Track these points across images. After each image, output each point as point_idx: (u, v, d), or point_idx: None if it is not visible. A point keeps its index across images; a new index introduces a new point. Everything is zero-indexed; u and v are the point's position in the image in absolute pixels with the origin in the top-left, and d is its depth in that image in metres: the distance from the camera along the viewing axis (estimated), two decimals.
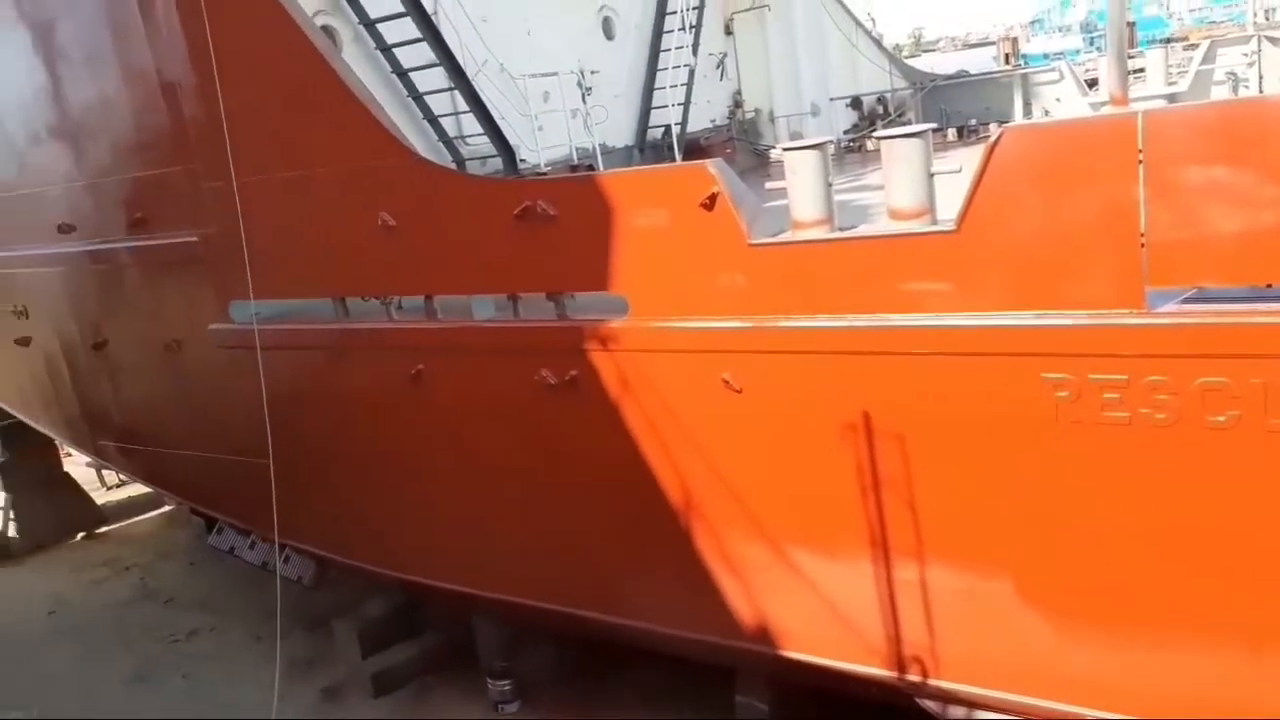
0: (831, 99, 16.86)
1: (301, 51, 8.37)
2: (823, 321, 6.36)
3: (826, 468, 6.68)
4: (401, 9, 10.17)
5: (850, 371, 6.35)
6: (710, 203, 6.61)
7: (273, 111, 8.73)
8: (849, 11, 17.17)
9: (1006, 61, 26.29)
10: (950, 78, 17.67)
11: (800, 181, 6.43)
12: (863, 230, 6.46)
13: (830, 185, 6.45)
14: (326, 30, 10.06)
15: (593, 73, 13.63)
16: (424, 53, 10.48)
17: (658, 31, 14.87)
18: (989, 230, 5.76)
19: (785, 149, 6.55)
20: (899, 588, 6.85)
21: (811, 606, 7.27)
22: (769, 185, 6.79)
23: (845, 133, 16.65)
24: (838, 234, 6.42)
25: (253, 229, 8.86)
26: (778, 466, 6.95)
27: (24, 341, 12.90)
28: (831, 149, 6.66)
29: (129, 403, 12.26)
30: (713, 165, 6.62)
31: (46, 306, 12.37)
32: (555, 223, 7.38)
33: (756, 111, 17.22)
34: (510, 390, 8.06)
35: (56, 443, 16.46)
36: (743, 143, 16.28)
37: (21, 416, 15.46)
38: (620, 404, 7.46)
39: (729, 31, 16.96)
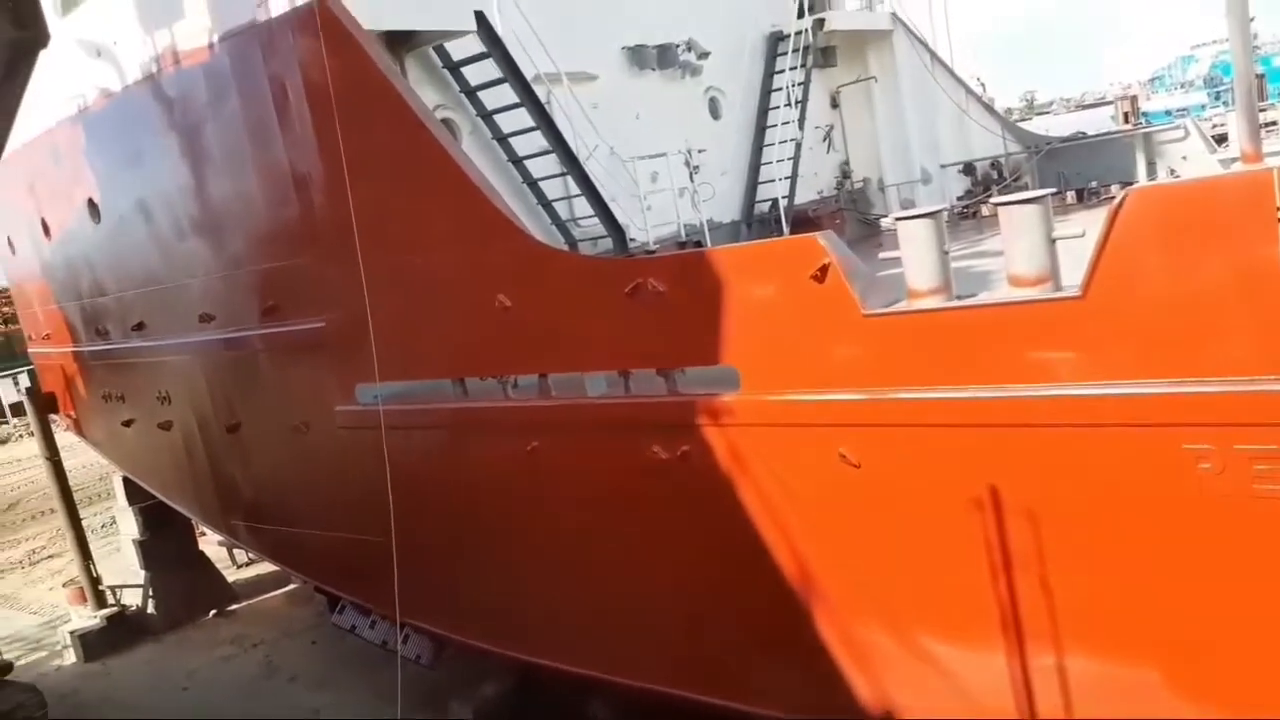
0: (943, 166, 16.67)
1: (424, 144, 8.78)
2: (943, 393, 6.17)
3: (953, 546, 6.40)
4: (517, 100, 10.58)
5: (975, 445, 6.11)
6: (821, 274, 6.55)
7: (397, 201, 9.14)
8: (958, 78, 17.05)
9: (1126, 120, 25.57)
10: (1067, 140, 17.26)
11: (915, 250, 6.33)
12: (983, 298, 6.28)
13: (946, 253, 6.32)
14: (447, 123, 10.53)
15: (700, 151, 13.83)
16: (538, 141, 10.86)
17: (763, 109, 15.05)
18: (1117, 295, 5.52)
19: (898, 218, 6.47)
20: (1033, 674, 6.45)
21: (939, 692, 6.90)
22: (882, 254, 6.70)
23: (959, 199, 16.39)
24: (956, 302, 6.26)
25: (377, 314, 9.21)
26: (901, 544, 6.70)
27: (166, 425, 13.65)
28: (945, 216, 6.55)
29: (259, 483, 12.78)
30: (822, 237, 6.58)
31: (187, 392, 13.09)
32: (665, 299, 7.44)
33: (865, 181, 17.16)
34: (623, 467, 8.06)
35: (193, 522, 17.22)
36: (852, 212, 16.21)
37: (161, 497, 16.29)
38: (734, 479, 7.36)
39: (835, 104, 17.05)
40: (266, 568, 18.19)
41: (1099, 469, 5.74)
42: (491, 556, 9.79)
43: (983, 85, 18.77)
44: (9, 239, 17.03)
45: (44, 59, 10.32)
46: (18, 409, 40.33)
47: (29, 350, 20.35)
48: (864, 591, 7.07)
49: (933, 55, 16.49)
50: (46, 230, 14.99)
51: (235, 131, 10.45)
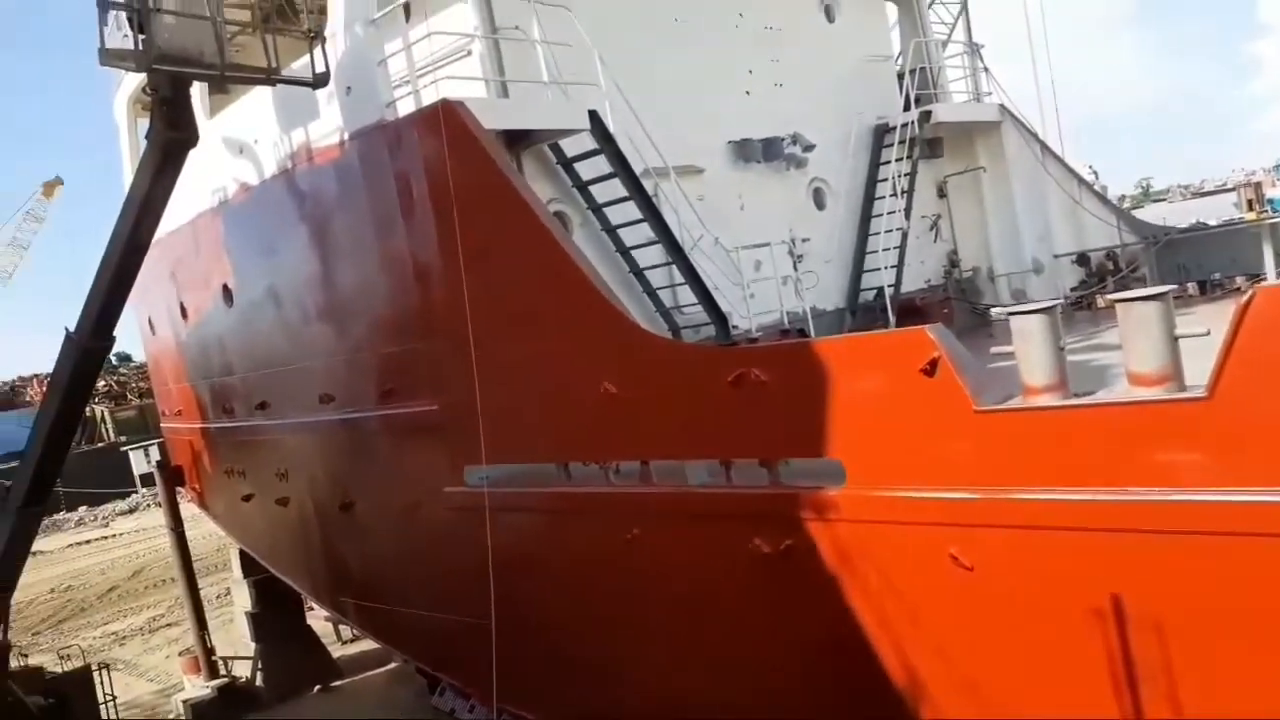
0: (1056, 256, 16.31)
1: (537, 236, 9.11)
2: (1062, 494, 5.95)
3: (1072, 655, 6.09)
4: (626, 194, 10.90)
5: (1097, 550, 5.85)
6: (931, 368, 6.47)
7: (509, 290, 9.46)
8: (1069, 168, 16.78)
9: (1250, 209, 24.57)
10: (1188, 230, 16.71)
11: (1029, 345, 6.20)
12: (1102, 397, 6.08)
13: (1062, 349, 6.17)
14: (559, 216, 10.90)
15: (804, 240, 13.96)
16: (645, 231, 11.13)
17: (869, 198, 15.10)
18: (1247, 396, 5.28)
19: (1012, 313, 6.36)
20: None
21: None
22: (994, 349, 6.58)
23: (1072, 289, 15.97)
24: (1074, 401, 6.07)
25: (487, 398, 9.46)
26: (1015, 651, 6.40)
27: (283, 502, 14.16)
28: (1060, 309, 6.41)
29: (367, 561, 13.08)
30: (932, 330, 6.51)
31: (304, 470, 13.60)
32: (768, 389, 7.43)
33: (975, 270, 16.92)
34: (724, 557, 7.98)
35: (302, 597, 17.66)
36: (961, 302, 15.96)
37: (275, 571, 16.81)
38: (839, 576, 7.19)
39: (942, 194, 16.97)
40: (370, 645, 18.44)
41: (1231, 578, 5.41)
42: (591, 644, 9.74)
43: (1095, 173, 18.40)
44: (150, 319, 18.19)
45: (191, 156, 11.20)
46: (147, 479, 42.41)
47: (161, 424, 21.50)
48: (975, 700, 6.75)
49: (1043, 146, 16.31)
50: (184, 313, 15.98)
51: (361, 223, 11.04)
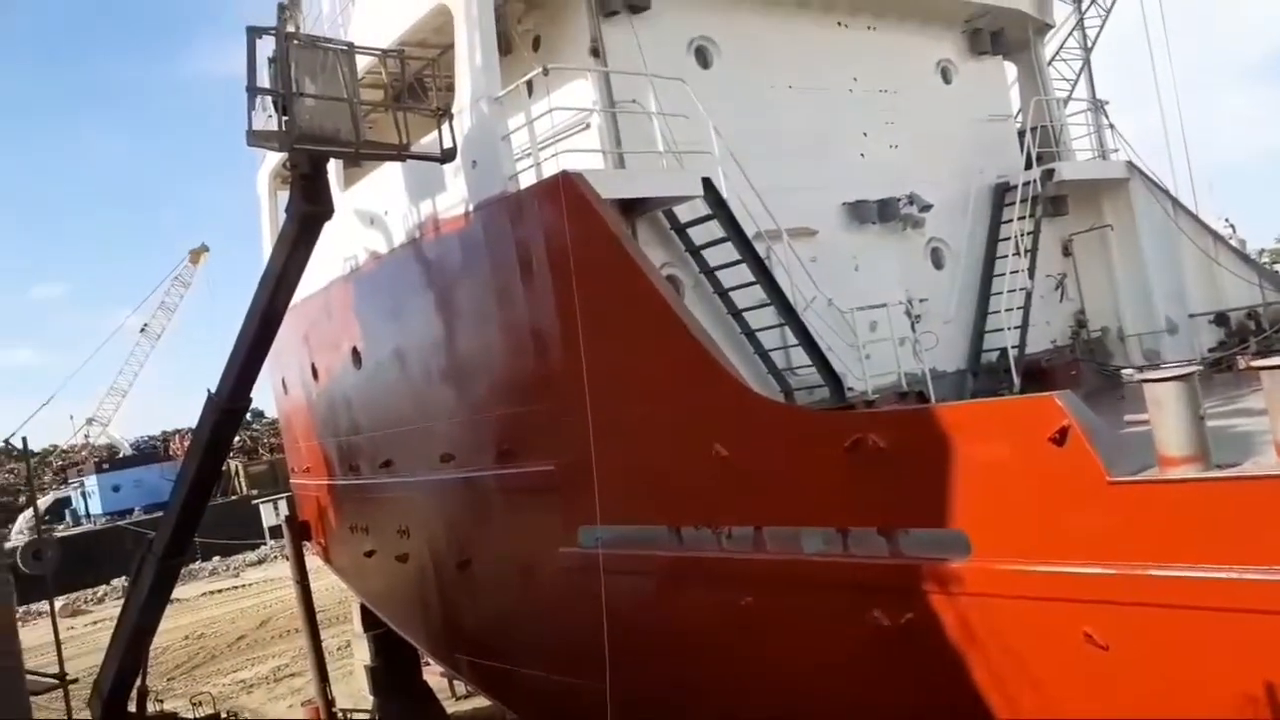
0: (1191, 315, 15.55)
1: (650, 300, 9.25)
2: (1207, 572, 5.61)
3: None
4: (738, 257, 10.98)
5: (1247, 632, 5.47)
6: (1060, 436, 6.23)
7: (624, 354, 9.59)
8: (1203, 223, 16.07)
9: None
10: None
11: (1166, 414, 5.92)
12: (1248, 469, 5.74)
13: (1202, 418, 5.87)
14: (672, 279, 11.05)
15: (921, 300, 13.71)
16: (757, 293, 11.16)
17: (990, 257, 14.77)
18: None
19: (1146, 380, 6.09)
20: None
21: None
22: (1128, 417, 6.31)
23: (1210, 350, 15.16)
24: (1215, 473, 5.75)
25: (602, 459, 9.55)
26: None
27: (403, 558, 14.53)
28: (1198, 374, 6.10)
29: (483, 619, 13.25)
30: (1061, 397, 6.29)
31: (424, 527, 13.95)
32: (887, 455, 7.28)
33: (1103, 330, 16.27)
34: (841, 629, 7.77)
35: (418, 652, 17.98)
36: (1089, 364, 15.34)
37: (393, 626, 17.19)
38: (963, 653, 6.91)
39: (1068, 252, 16.46)
40: (484, 701, 18.59)
41: None
42: (703, 708, 9.58)
43: (1232, 227, 17.54)
44: (283, 379, 19.12)
45: (325, 227, 11.84)
46: (275, 532, 44.24)
47: (290, 480, 22.45)
48: None
49: (1174, 201, 15.68)
50: (315, 374, 16.75)
51: (483, 289, 11.42)
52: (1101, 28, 38.65)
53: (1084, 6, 39.66)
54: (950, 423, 6.94)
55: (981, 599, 6.75)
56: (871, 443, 7.34)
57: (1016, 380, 13.25)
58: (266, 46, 10.34)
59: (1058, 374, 13.84)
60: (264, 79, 10.25)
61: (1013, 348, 13.69)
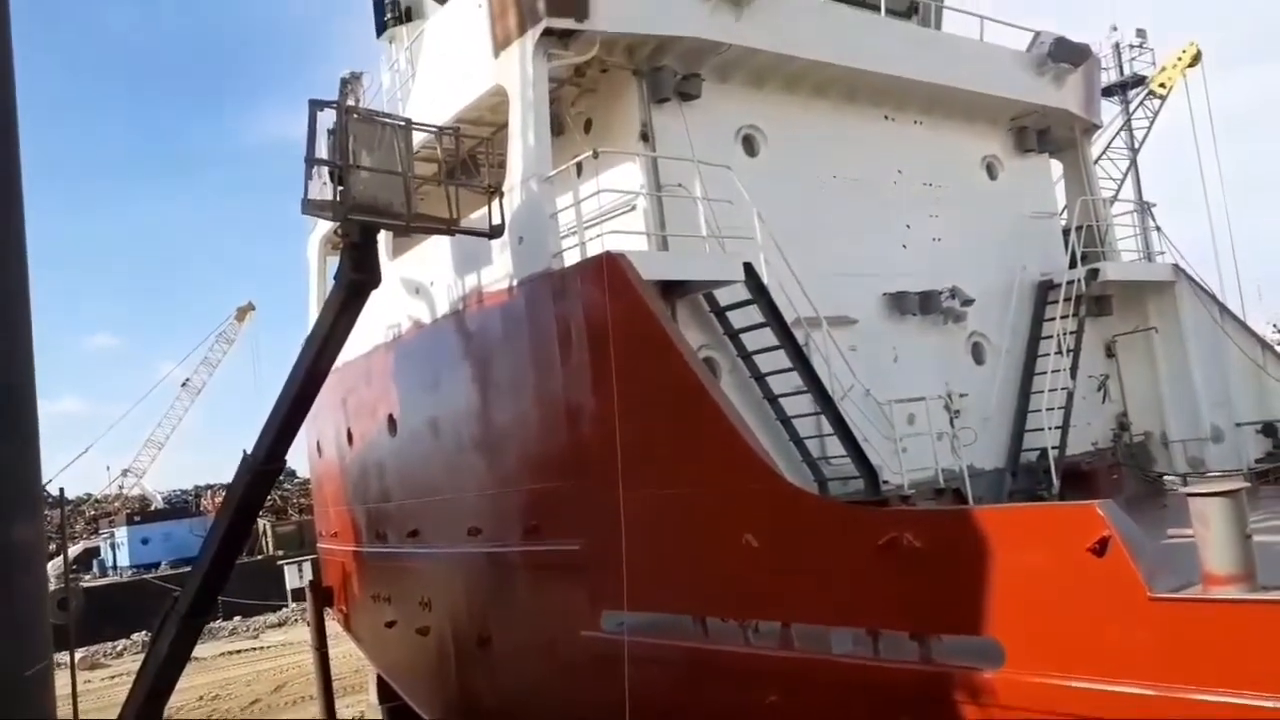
0: (1238, 424, 15.22)
1: (687, 382, 9.24)
2: (1253, 699, 5.37)
3: None
4: (776, 342, 10.98)
5: None
6: (1100, 547, 6.06)
7: (658, 434, 9.55)
8: (1252, 331, 15.84)
9: None
10: None
11: (1211, 531, 5.74)
12: None
13: (1248, 537, 5.68)
14: (709, 362, 11.06)
15: (961, 395, 13.56)
16: (794, 379, 11.11)
17: (1031, 355, 14.65)
18: None
19: (1191, 493, 5.93)
20: None
21: None
22: (1171, 531, 6.13)
23: (1257, 461, 14.79)
24: (1262, 595, 5.54)
25: (630, 542, 9.44)
26: None
27: (423, 631, 14.36)
28: (1245, 488, 5.94)
29: (502, 698, 12.99)
30: (1102, 506, 6.13)
31: (447, 600, 13.81)
32: (922, 556, 7.12)
33: (1146, 435, 15.97)
34: None
35: None
36: (1131, 468, 15.03)
37: (408, 699, 16.91)
38: None
39: (1110, 354, 16.28)
40: None
41: None
42: None
43: None
44: (318, 442, 19.27)
45: (372, 294, 12.04)
46: (298, 594, 43.99)
47: (318, 544, 22.44)
48: None
49: (1221, 307, 15.51)
50: (350, 439, 16.86)
51: (521, 363, 11.51)
52: (1149, 129, 38.83)
53: (1131, 108, 39.88)
54: (988, 526, 6.79)
55: (1015, 711, 6.50)
56: (907, 542, 7.19)
57: (1056, 483, 12.99)
58: (327, 119, 10.70)
59: (1099, 478, 13.56)
60: (322, 149, 10.57)
61: (1053, 449, 13.47)
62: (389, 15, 16.39)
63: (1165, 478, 14.95)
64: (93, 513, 75.15)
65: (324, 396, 13.78)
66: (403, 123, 11.22)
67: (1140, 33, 36.30)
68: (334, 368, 13.00)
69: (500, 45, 11.80)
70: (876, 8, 14.01)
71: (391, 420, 14.78)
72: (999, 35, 15.52)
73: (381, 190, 10.66)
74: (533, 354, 11.24)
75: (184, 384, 71.30)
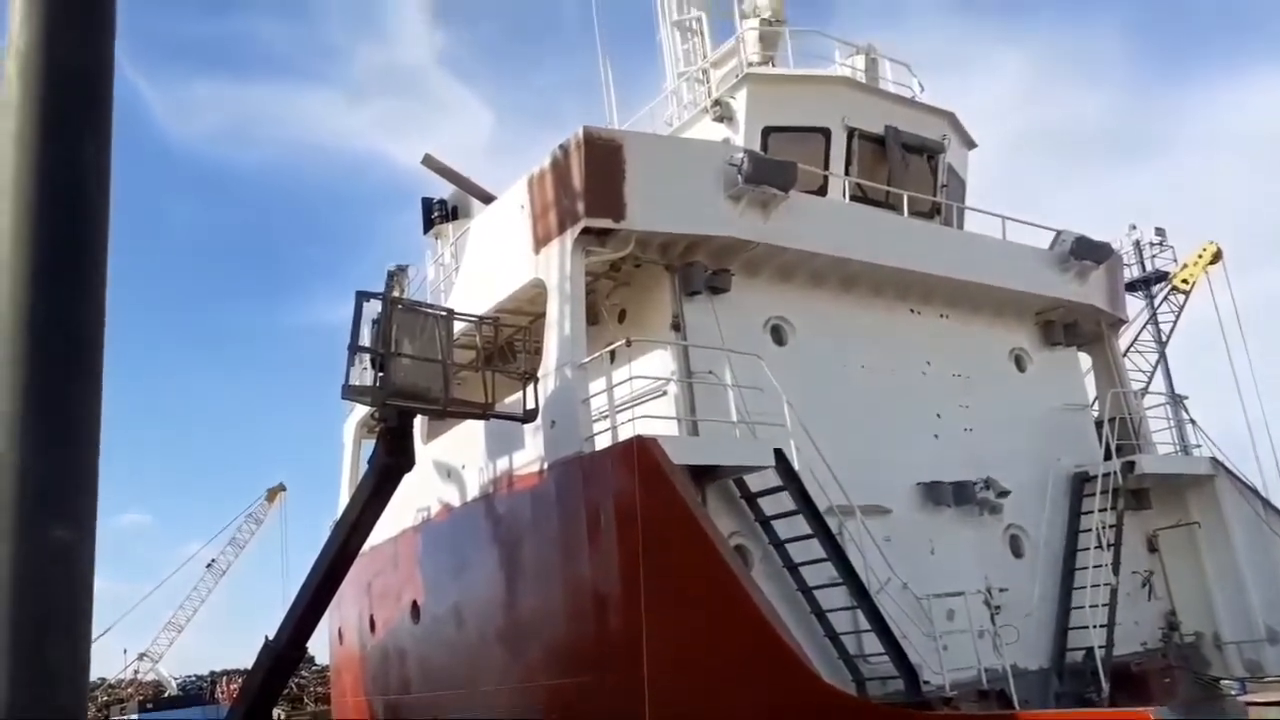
0: None
1: (718, 571, 9.08)
2: None
3: None
4: (809, 531, 10.82)
5: None
6: None
7: (688, 626, 9.30)
8: None
9: None
10: None
11: None
12: None
13: None
14: (740, 550, 10.87)
15: (1001, 590, 13.14)
16: (828, 570, 10.86)
17: (1071, 549, 14.25)
18: None
19: (1253, 703, 5.65)
20: None
21: None
22: None
23: None
24: None
25: None
26: None
27: None
28: None
29: None
30: (1158, 714, 5.83)
31: None
32: None
33: (1198, 635, 15.23)
34: None
35: None
36: (1185, 671, 14.25)
37: None
38: None
39: (1153, 548, 15.78)
40: None
41: None
42: None
43: None
44: (340, 629, 18.86)
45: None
46: None
47: None
48: None
49: (1264, 502, 15.14)
50: (372, 626, 16.51)
51: (548, 549, 11.40)
52: (1175, 323, 39.21)
53: (1156, 303, 40.50)
54: None
55: None
56: None
57: (1105, 686, 12.32)
58: (372, 309, 11.15)
59: (1151, 681, 12.87)
60: (366, 338, 10.96)
61: (1099, 648, 12.86)
62: (436, 214, 17.40)
63: (1222, 682, 14.15)
64: (105, 699, 72.88)
65: (349, 581, 13.62)
66: (445, 312, 11.65)
67: (1159, 231, 37.35)
68: (361, 551, 12.92)
69: (541, 242, 12.40)
70: (900, 209, 14.60)
71: (415, 607, 14.52)
72: (1021, 235, 16.02)
73: (421, 376, 10.95)
74: (561, 538, 11.16)
75: (209, 565, 70.59)
